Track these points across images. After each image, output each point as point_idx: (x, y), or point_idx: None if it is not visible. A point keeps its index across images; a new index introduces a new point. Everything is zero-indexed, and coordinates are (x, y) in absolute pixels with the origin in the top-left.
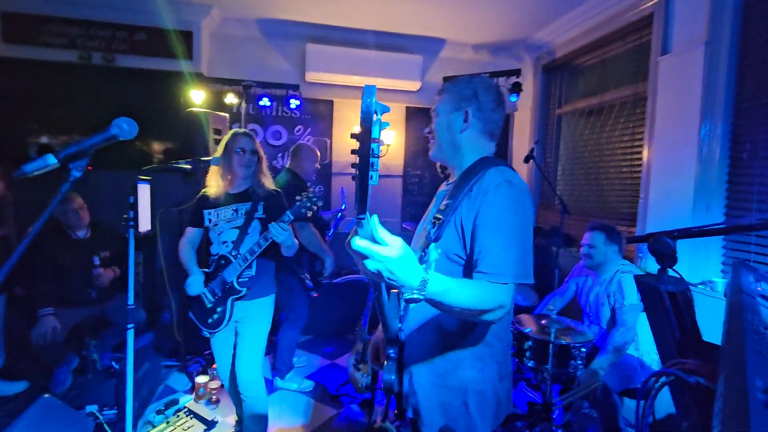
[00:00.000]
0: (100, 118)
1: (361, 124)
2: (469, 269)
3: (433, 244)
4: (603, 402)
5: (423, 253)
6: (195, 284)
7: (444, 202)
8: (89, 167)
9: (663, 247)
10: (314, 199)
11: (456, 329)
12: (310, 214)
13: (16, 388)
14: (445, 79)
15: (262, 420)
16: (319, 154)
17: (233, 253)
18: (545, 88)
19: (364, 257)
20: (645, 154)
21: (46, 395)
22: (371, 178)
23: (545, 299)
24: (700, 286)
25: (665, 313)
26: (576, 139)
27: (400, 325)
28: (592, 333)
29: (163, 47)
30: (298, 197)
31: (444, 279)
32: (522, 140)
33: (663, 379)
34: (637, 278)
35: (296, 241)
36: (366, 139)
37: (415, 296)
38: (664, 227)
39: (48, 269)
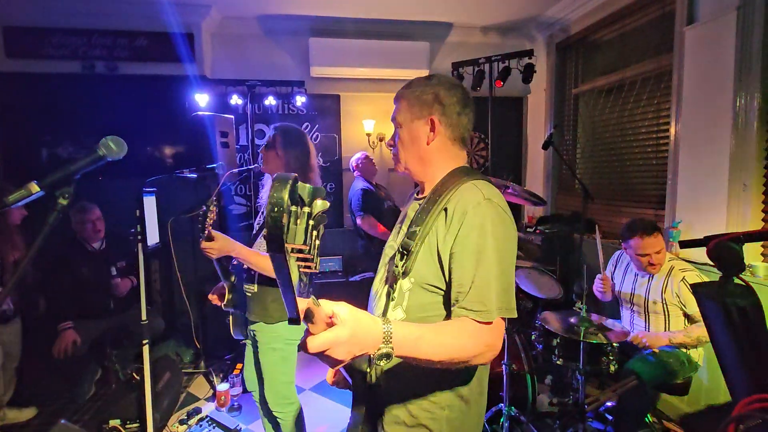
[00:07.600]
0: (109, 127)
1: (269, 233)
2: (449, 301)
3: (401, 280)
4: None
5: (391, 289)
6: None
7: (413, 228)
8: (100, 176)
9: (728, 253)
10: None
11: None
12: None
13: (25, 414)
14: (454, 65)
15: None
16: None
17: (234, 262)
18: (560, 67)
19: (325, 353)
20: (672, 130)
21: (62, 421)
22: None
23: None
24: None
25: (734, 333)
26: (595, 119)
27: (368, 370)
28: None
29: (164, 51)
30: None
31: (411, 326)
32: (537, 124)
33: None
34: (695, 290)
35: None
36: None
37: (383, 351)
38: (697, 210)
39: (67, 283)
